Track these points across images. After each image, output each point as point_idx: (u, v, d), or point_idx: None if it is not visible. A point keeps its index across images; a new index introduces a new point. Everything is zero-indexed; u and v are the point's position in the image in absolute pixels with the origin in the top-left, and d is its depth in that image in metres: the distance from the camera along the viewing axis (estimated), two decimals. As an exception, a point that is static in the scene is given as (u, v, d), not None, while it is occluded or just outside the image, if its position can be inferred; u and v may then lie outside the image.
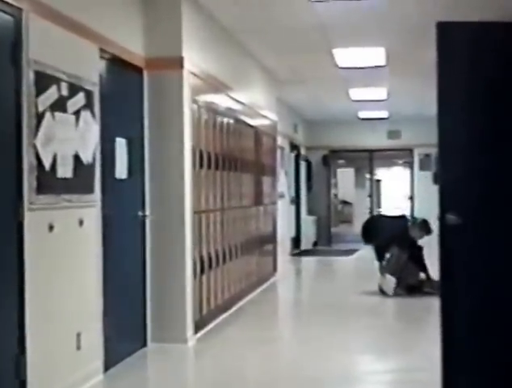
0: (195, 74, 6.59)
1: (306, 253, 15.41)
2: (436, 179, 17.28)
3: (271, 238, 10.75)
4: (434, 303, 8.31)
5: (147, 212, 6.17)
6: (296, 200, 16.01)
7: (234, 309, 8.01)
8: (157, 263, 6.24)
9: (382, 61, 9.56)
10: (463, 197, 4.30)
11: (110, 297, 5.43)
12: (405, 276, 9.01)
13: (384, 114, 15.83)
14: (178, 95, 6.24)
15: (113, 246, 5.50)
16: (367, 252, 15.64)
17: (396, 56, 9.33)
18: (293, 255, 14.81)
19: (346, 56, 9.28)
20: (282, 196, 13.39)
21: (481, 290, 4.35)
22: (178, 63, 6.23)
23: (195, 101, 6.62)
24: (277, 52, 9.25)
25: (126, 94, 5.93)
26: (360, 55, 9.20)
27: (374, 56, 9.24)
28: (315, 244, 17.00)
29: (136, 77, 6.13)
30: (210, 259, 7.05)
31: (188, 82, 6.37)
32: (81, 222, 4.96)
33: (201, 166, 6.78)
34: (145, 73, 6.21)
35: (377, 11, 7.33)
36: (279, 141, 12.43)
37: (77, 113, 4.89)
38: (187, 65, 6.34)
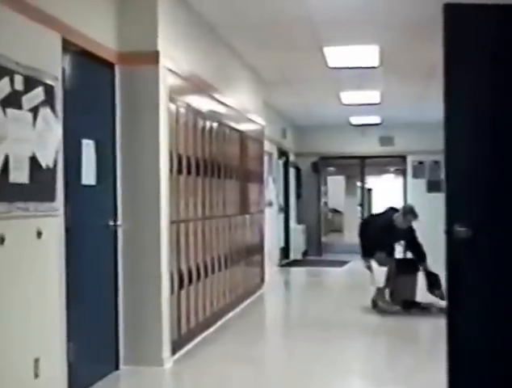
0: (172, 71, 6.03)
1: (295, 263, 14.87)
2: (430, 187, 16.91)
3: (258, 249, 10.19)
4: (435, 321, 7.88)
5: (119, 222, 5.60)
6: (285, 209, 15.48)
7: (217, 326, 7.43)
8: (131, 278, 5.67)
9: (375, 62, 9.04)
10: (472, 207, 3.74)
11: (75, 317, 4.85)
12: (399, 289, 8.46)
13: (376, 119, 15.34)
14: (153, 93, 5.68)
15: (79, 260, 4.93)
16: (358, 264, 15.19)
17: (390, 56, 8.81)
18: (282, 265, 14.26)
19: (338, 55, 8.74)
20: (270, 204, 12.87)
21: (493, 310, 3.79)
22: (154, 58, 5.67)
23: (173, 100, 6.06)
24: (264, 50, 8.70)
25: (95, 91, 5.36)
26: (352, 54, 8.68)
27: (367, 55, 8.71)
28: (304, 254, 16.48)
29: (107, 72, 5.56)
30: (190, 272, 6.48)
31: (165, 79, 5.81)
32: (39, 234, 4.38)
33: (180, 171, 6.21)
34: (117, 69, 5.64)
35: (371, 5, 6.82)
36: (267, 146, 11.89)
37: (34, 110, 4.32)
38: (164, 61, 5.78)
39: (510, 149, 3.72)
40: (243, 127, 9.09)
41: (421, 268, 8.50)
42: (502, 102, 3.60)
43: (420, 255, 8.63)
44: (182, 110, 6.35)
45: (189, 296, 6.44)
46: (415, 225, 8.82)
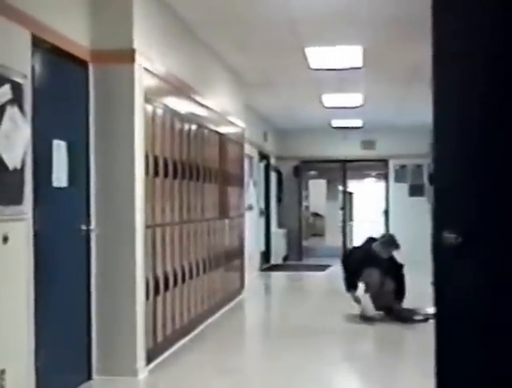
0: (149, 71, 5.83)
1: (276, 268, 14.68)
2: (412, 191, 16.77)
3: (238, 253, 9.99)
4: (419, 327, 7.72)
5: (92, 226, 5.38)
6: (266, 213, 15.28)
7: (195, 333, 7.23)
8: (104, 285, 5.46)
9: (358, 62, 8.87)
10: (462, 212, 3.52)
11: (45, 326, 4.64)
12: (379, 294, 8.28)
13: (358, 123, 15.19)
14: (128, 93, 5.47)
15: (48, 266, 4.71)
16: (338, 268, 15.00)
17: (374, 57, 8.65)
18: (262, 270, 14.07)
19: (320, 56, 8.57)
20: (250, 208, 12.68)
21: (485, 326, 3.57)
22: (129, 56, 5.47)
23: (149, 101, 5.86)
24: (244, 51, 8.51)
25: (68, 91, 5.14)
26: (335, 54, 8.50)
27: (350, 55, 8.54)
28: (285, 258, 16.29)
29: (81, 71, 5.35)
30: (167, 278, 6.27)
31: (141, 79, 5.61)
32: (5, 239, 4.16)
33: (156, 174, 6.00)
34: (91, 68, 5.43)
35: (354, 5, 6.66)
36: (248, 149, 11.71)
37: (0, 109, 4.10)
38: (140, 60, 5.58)
39: (502, 151, 3.49)
40: (223, 129, 8.89)
41: (394, 307, 8.26)
42: (493, 101, 3.40)
43: (399, 291, 8.39)
44: (159, 111, 6.15)
45: (165, 302, 6.24)
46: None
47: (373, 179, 26.95)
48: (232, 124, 9.58)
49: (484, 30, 3.46)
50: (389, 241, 8.52)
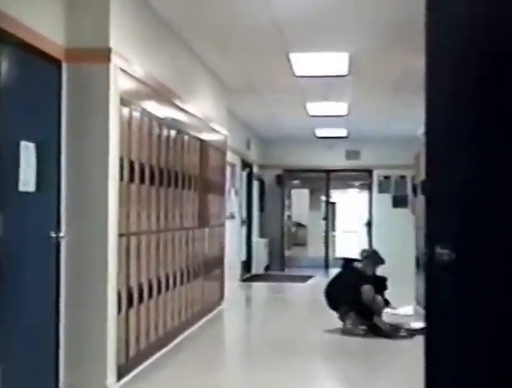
0: (126, 72, 5.56)
1: (257, 278, 14.40)
2: (396, 202, 16.58)
3: (218, 263, 9.71)
4: (403, 343, 7.47)
5: (62, 233, 5.09)
6: (248, 222, 15.02)
7: (171, 346, 6.94)
8: (73, 296, 5.16)
9: (344, 70, 8.65)
10: (456, 227, 3.28)
11: (8, 339, 4.34)
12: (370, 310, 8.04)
13: (342, 132, 14.99)
14: (103, 94, 5.20)
15: (13, 275, 4.41)
16: (322, 279, 14.76)
17: (360, 64, 8.43)
18: (243, 280, 13.79)
19: (305, 63, 8.34)
20: (232, 216, 12.41)
21: (480, 347, 3.31)
22: (104, 56, 5.19)
23: (126, 103, 5.59)
24: (228, 55, 8.26)
25: (38, 90, 4.85)
26: (320, 61, 8.28)
27: (336, 62, 8.32)
28: (267, 268, 16.03)
29: (53, 70, 5.06)
30: (141, 289, 5.98)
31: (116, 79, 5.34)
32: (-36, 246, 3.87)
33: (131, 179, 5.72)
34: (64, 66, 5.14)
35: (341, 10, 6.44)
36: (230, 157, 11.45)
37: (-39, 106, 3.82)
38: (116, 60, 5.31)
39: (501, 162, 3.24)
40: (204, 136, 8.63)
41: (377, 321, 8.02)
42: (491, 106, 3.17)
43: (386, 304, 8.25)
44: (136, 114, 5.88)
45: (139, 315, 5.94)
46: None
47: (356, 189, 26.82)
48: (214, 130, 9.32)
49: (480, 29, 3.24)
50: (373, 257, 8.33)
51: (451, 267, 3.14)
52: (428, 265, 3.28)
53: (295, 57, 8.14)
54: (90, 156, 5.17)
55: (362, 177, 17.77)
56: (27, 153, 4.62)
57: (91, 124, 5.18)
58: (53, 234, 5.01)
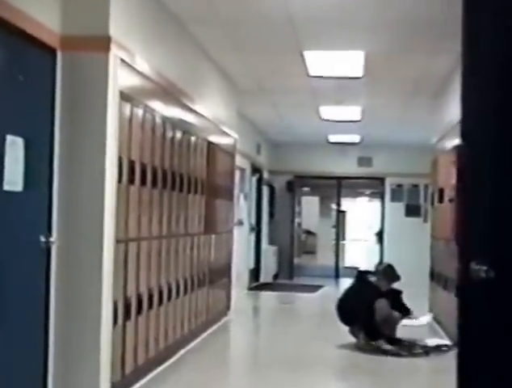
0: (127, 64, 5.12)
1: (265, 287, 13.94)
2: (409, 211, 16.11)
3: (225, 272, 9.25)
4: (417, 360, 6.99)
5: (52, 238, 4.64)
6: (257, 228, 14.56)
7: (172, 361, 6.48)
8: (65, 307, 4.71)
9: (359, 70, 8.22)
10: (496, 241, 2.83)
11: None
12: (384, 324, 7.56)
13: (355, 138, 14.58)
14: (101, 86, 4.76)
15: (-4, 283, 3.98)
16: (332, 289, 14.32)
17: (375, 64, 7.99)
18: (251, 288, 13.32)
19: (319, 61, 7.91)
20: (241, 223, 11.97)
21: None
22: (104, 45, 4.76)
23: (127, 98, 5.15)
24: (238, 52, 7.81)
25: (30, 80, 4.40)
26: (335, 59, 7.86)
27: (351, 61, 7.89)
28: (275, 276, 15.57)
29: (47, 59, 4.62)
30: (140, 300, 5.53)
31: (116, 71, 4.90)
32: None
33: (131, 181, 5.28)
34: (59, 55, 4.70)
35: (358, 5, 6.03)
36: (239, 161, 11.02)
37: None
38: (116, 50, 4.88)
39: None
40: (212, 137, 8.19)
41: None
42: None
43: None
44: (138, 110, 5.44)
45: (137, 328, 5.49)
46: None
47: (366, 198, 26.39)
48: (223, 132, 8.88)
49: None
50: (389, 273, 7.85)
51: (488, 285, 2.70)
52: (461, 282, 2.84)
53: (309, 55, 7.71)
54: (86, 154, 4.73)
55: (374, 185, 17.32)
56: (15, 148, 4.17)
57: (87, 119, 4.74)
58: (43, 239, 4.56)
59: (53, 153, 4.66)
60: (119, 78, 4.95)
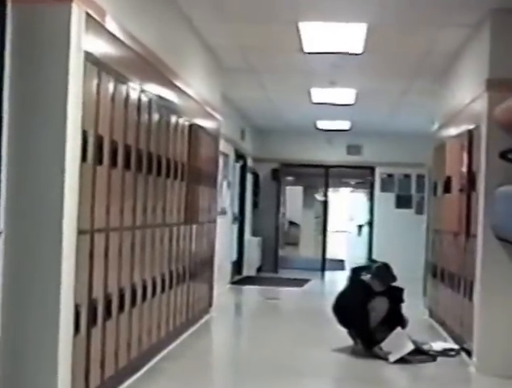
0: (95, 20, 4.29)
1: (249, 281, 13.19)
2: (399, 202, 15.41)
3: (207, 266, 8.47)
4: (426, 368, 6.32)
5: (0, 227, 3.82)
6: (240, 218, 13.78)
7: (146, 368, 5.69)
8: (13, 311, 3.91)
9: (359, 46, 7.44)
10: None
11: None
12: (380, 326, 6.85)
13: (345, 125, 13.87)
14: (61, 44, 3.94)
15: None
16: (319, 284, 13.62)
17: (377, 39, 7.24)
18: (233, 282, 12.56)
19: (316, 35, 7.12)
20: (224, 212, 11.19)
21: None
22: (65, -7, 3.94)
23: (94, 62, 4.32)
24: (225, 23, 6.99)
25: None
26: (334, 33, 7.11)
27: (351, 35, 7.12)
28: (259, 269, 14.84)
29: (-6, 9, 3.80)
30: (109, 301, 4.71)
31: (81, 26, 4.07)
32: None
33: (99, 160, 4.44)
34: (9, 6, 3.87)
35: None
36: (223, 146, 10.20)
37: None
38: (81, 2, 4.04)
39: None
40: (194, 117, 7.38)
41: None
42: None
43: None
44: (108, 78, 4.61)
45: (105, 335, 4.67)
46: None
47: (349, 188, 25.73)
48: (206, 113, 8.07)
49: None
50: (383, 274, 7.12)
51: None
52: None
53: (305, 27, 6.91)
54: (42, 127, 3.90)
55: (363, 174, 16.62)
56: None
57: (44, 85, 3.91)
58: (-12, 229, 3.76)
59: (1, 127, 3.83)
60: (84, 36, 4.11)
